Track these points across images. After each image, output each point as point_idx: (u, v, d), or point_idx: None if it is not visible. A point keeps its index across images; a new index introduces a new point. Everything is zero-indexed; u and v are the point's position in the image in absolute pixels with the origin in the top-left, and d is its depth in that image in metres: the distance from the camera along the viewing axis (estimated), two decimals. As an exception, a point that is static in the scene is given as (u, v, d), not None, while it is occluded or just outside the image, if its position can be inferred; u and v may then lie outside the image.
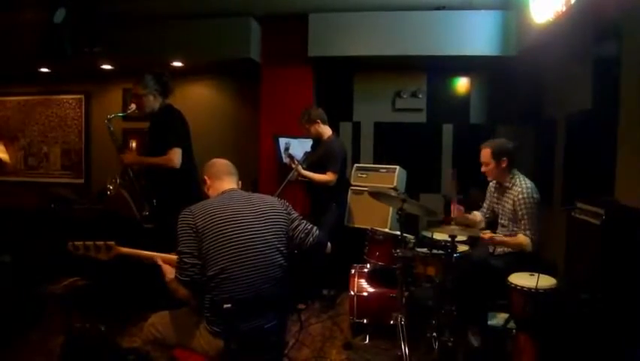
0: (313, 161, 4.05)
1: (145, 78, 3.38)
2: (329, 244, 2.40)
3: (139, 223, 3.35)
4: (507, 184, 3.15)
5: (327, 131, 4.16)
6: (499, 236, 3.09)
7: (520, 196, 3.00)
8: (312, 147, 4.30)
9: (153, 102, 3.40)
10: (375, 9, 4.68)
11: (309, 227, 2.23)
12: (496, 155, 3.11)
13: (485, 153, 3.17)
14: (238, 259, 1.96)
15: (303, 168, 3.94)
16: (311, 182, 4.01)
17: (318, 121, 4.11)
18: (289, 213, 2.20)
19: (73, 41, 4.54)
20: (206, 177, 2.28)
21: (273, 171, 4.96)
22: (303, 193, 4.33)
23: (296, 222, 2.20)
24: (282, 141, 4.76)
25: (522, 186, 3.04)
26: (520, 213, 3.00)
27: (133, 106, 3.40)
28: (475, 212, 3.46)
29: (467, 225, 3.26)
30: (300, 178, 3.96)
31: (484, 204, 3.45)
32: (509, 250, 3.08)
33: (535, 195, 3.02)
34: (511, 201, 3.08)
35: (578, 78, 3.71)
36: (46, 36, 4.45)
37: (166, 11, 4.83)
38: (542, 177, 4.22)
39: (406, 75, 5.31)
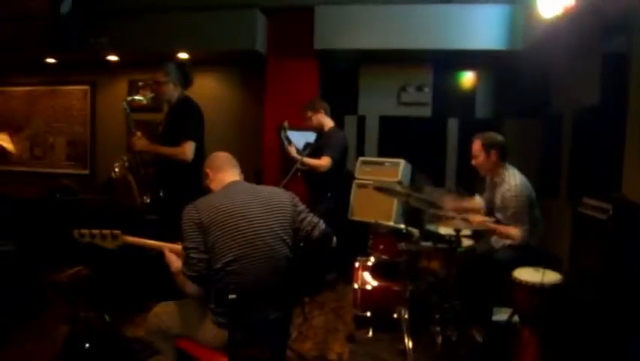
0: (314, 150, 4.03)
1: (167, 66, 3.32)
2: (334, 238, 2.39)
3: (142, 214, 3.33)
4: (497, 179, 3.13)
5: (329, 122, 4.16)
6: (489, 223, 3.03)
7: (508, 194, 2.97)
8: (316, 140, 4.29)
9: (172, 91, 3.34)
10: (381, 2, 4.64)
11: (315, 220, 2.23)
12: (486, 147, 3.10)
13: (476, 145, 3.16)
14: (244, 251, 1.96)
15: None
16: (309, 171, 3.99)
17: (322, 111, 4.12)
18: (296, 205, 2.19)
19: (79, 32, 4.55)
20: (207, 170, 2.26)
21: (277, 162, 4.95)
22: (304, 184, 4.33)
23: (303, 215, 2.20)
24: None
25: (510, 183, 3.00)
26: (510, 211, 2.97)
27: (142, 95, 3.35)
28: (477, 196, 3.43)
29: (467, 211, 3.19)
30: (301, 167, 3.94)
31: (485, 194, 3.43)
32: (511, 242, 3.04)
33: (524, 192, 2.97)
34: (500, 197, 3.07)
35: (586, 73, 3.68)
36: (53, 27, 4.46)
37: (172, 2, 4.82)
38: (549, 172, 4.21)
39: (411, 69, 5.27)
